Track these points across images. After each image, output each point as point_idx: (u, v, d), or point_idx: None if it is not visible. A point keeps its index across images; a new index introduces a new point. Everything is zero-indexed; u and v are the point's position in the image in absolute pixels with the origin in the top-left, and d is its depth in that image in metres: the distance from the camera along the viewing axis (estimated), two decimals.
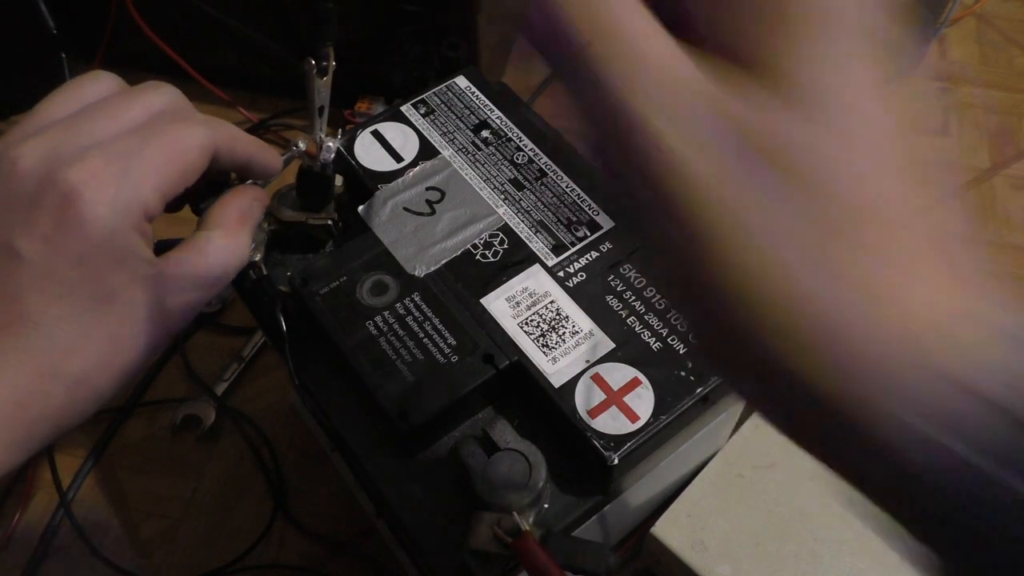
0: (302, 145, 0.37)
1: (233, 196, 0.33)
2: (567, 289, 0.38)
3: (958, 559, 0.16)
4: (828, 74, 0.17)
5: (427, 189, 0.42)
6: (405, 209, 0.41)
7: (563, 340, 0.37)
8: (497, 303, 0.38)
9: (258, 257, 0.38)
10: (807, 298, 0.16)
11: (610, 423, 0.34)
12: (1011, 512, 0.14)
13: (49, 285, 0.26)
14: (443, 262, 0.39)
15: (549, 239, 0.40)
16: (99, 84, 0.30)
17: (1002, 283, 0.17)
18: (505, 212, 0.41)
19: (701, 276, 0.17)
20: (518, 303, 0.38)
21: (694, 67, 0.17)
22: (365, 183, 0.42)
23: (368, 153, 0.44)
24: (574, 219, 0.41)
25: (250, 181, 0.35)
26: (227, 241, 0.31)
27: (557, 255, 0.40)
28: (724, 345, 0.17)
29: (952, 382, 0.15)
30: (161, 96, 0.30)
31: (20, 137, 0.27)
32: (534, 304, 0.38)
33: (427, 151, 0.44)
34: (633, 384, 0.35)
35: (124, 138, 0.27)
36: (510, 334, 0.37)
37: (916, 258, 0.16)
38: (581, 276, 0.39)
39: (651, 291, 0.38)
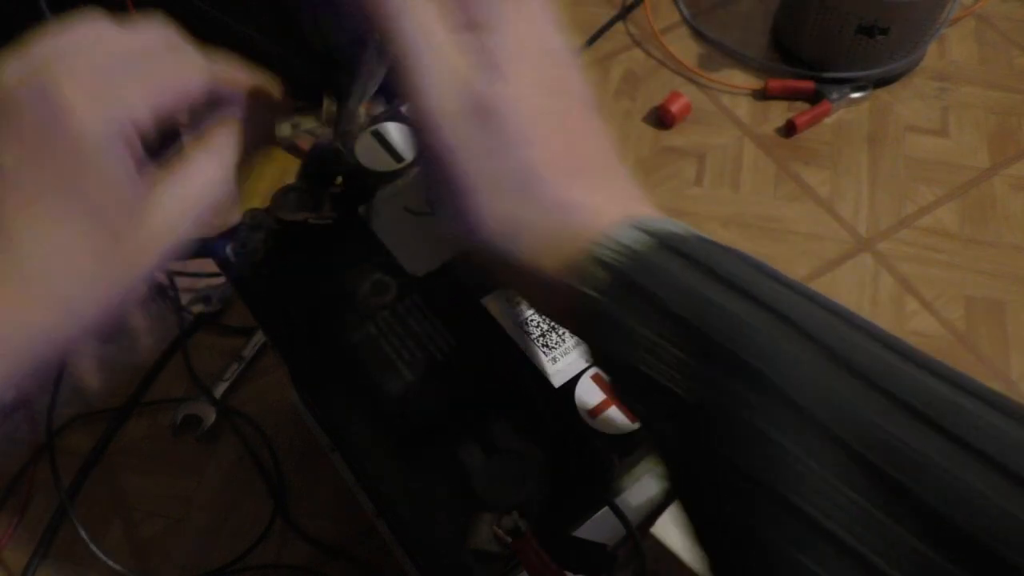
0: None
1: (221, 121, 0.32)
2: None
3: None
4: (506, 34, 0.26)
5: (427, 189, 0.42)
6: (405, 209, 0.41)
7: (563, 340, 0.37)
8: (497, 303, 0.38)
9: (258, 257, 0.38)
10: (509, 211, 0.25)
11: (610, 423, 0.34)
12: (608, 328, 0.23)
13: (30, 200, 0.25)
14: (443, 262, 0.39)
15: None
16: (89, 20, 0.29)
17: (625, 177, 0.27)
18: None
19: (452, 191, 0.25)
20: (518, 303, 0.38)
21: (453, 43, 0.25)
22: (365, 183, 0.42)
23: (368, 153, 0.44)
24: None
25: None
26: (209, 162, 0.30)
27: None
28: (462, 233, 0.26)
29: (590, 256, 0.23)
30: (156, 27, 0.30)
31: (11, 58, 0.27)
32: None
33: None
34: None
35: (118, 59, 0.27)
36: (510, 334, 0.37)
37: (578, 180, 0.25)
38: None
39: None
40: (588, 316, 0.23)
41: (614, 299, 0.23)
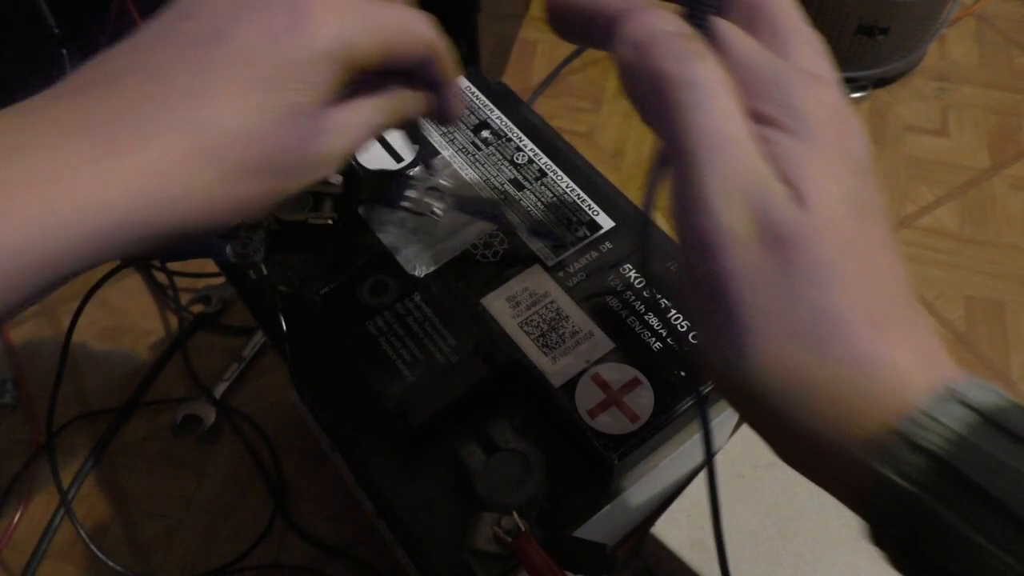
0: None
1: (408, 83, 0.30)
2: (567, 289, 0.38)
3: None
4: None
5: (427, 189, 0.42)
6: (405, 209, 0.41)
7: (563, 340, 0.37)
8: (497, 303, 0.38)
9: (258, 257, 0.38)
10: (806, 372, 0.21)
11: (610, 423, 0.34)
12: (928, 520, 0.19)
13: (240, 76, 0.24)
14: (443, 262, 0.39)
15: (549, 239, 0.40)
16: None
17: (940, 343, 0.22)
18: (505, 212, 0.41)
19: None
20: (518, 303, 0.38)
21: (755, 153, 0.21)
22: (365, 183, 0.42)
23: (368, 153, 0.44)
24: (574, 219, 0.41)
25: None
26: (374, 106, 0.29)
27: (557, 255, 0.40)
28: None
29: (901, 436, 0.19)
30: None
31: None
32: (534, 304, 0.38)
33: (427, 151, 0.44)
34: (633, 384, 0.35)
35: None
36: (510, 334, 0.37)
37: (884, 332, 0.21)
38: (581, 276, 0.39)
39: (651, 291, 0.38)
40: (893, 507, 0.20)
41: (935, 494, 0.19)
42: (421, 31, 0.28)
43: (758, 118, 0.22)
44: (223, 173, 0.24)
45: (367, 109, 0.28)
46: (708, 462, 0.29)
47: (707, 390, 0.35)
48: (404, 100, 0.30)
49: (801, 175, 0.21)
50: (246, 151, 0.24)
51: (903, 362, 0.20)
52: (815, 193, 0.21)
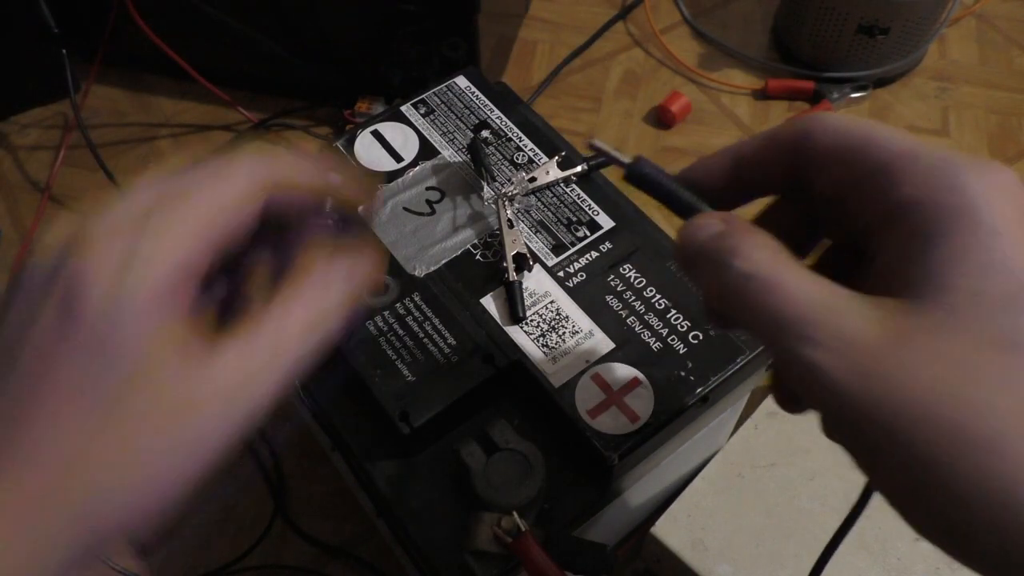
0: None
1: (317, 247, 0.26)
2: (567, 289, 0.38)
3: None
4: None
5: (427, 189, 0.42)
6: (405, 209, 0.41)
7: (563, 340, 0.37)
8: (497, 303, 0.38)
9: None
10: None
11: (610, 423, 0.34)
12: None
13: (51, 391, 0.21)
14: (443, 262, 0.39)
15: (549, 239, 0.40)
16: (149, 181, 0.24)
17: None
18: (504, 212, 0.41)
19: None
20: (518, 302, 0.38)
21: (848, 312, 0.20)
22: (365, 183, 0.42)
23: (368, 153, 0.44)
24: (574, 219, 0.41)
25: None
26: (314, 294, 0.24)
27: (557, 255, 0.40)
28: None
29: None
30: (206, 166, 0.24)
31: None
32: (534, 304, 0.38)
33: (427, 151, 0.44)
34: (633, 384, 0.35)
35: (149, 210, 0.23)
36: (510, 334, 0.37)
37: None
38: (581, 276, 0.39)
39: (651, 291, 0.38)
40: None
41: None
42: (228, 196, 0.23)
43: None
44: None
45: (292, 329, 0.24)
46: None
47: (707, 390, 0.36)
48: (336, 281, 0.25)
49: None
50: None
51: None
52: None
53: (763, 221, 0.26)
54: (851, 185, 0.22)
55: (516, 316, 0.37)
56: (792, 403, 0.25)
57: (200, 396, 0.23)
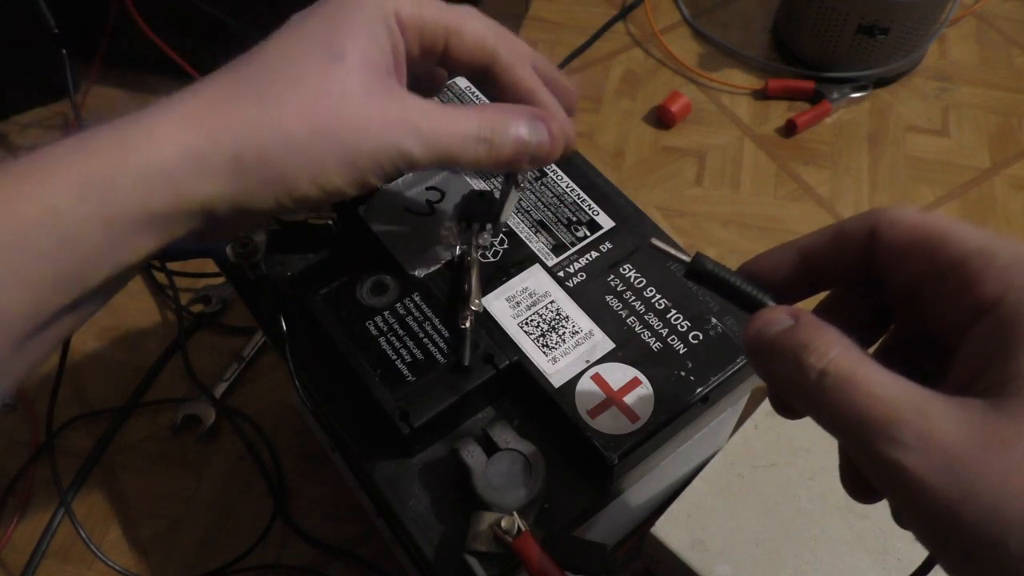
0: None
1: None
2: (567, 289, 0.38)
3: None
4: None
5: (427, 189, 0.42)
6: (405, 209, 0.41)
7: (563, 340, 0.37)
8: (497, 303, 0.38)
9: (258, 257, 0.37)
10: None
11: (610, 423, 0.34)
12: None
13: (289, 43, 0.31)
14: (443, 262, 0.39)
15: (549, 239, 0.40)
16: None
17: None
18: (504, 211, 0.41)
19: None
20: (518, 303, 0.38)
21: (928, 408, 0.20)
22: None
23: None
24: (574, 219, 0.41)
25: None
26: (473, 117, 0.30)
27: (557, 255, 0.40)
28: None
29: None
30: None
31: None
32: (534, 304, 0.38)
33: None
34: (633, 384, 0.35)
35: None
36: (510, 334, 0.37)
37: None
38: (581, 276, 0.39)
39: (651, 291, 0.38)
40: None
41: None
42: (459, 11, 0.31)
43: None
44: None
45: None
46: None
47: (707, 390, 0.35)
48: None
49: None
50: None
51: None
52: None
53: (825, 312, 0.26)
54: (927, 281, 0.22)
55: (460, 363, 0.35)
56: (863, 492, 0.25)
57: (351, 101, 0.27)
